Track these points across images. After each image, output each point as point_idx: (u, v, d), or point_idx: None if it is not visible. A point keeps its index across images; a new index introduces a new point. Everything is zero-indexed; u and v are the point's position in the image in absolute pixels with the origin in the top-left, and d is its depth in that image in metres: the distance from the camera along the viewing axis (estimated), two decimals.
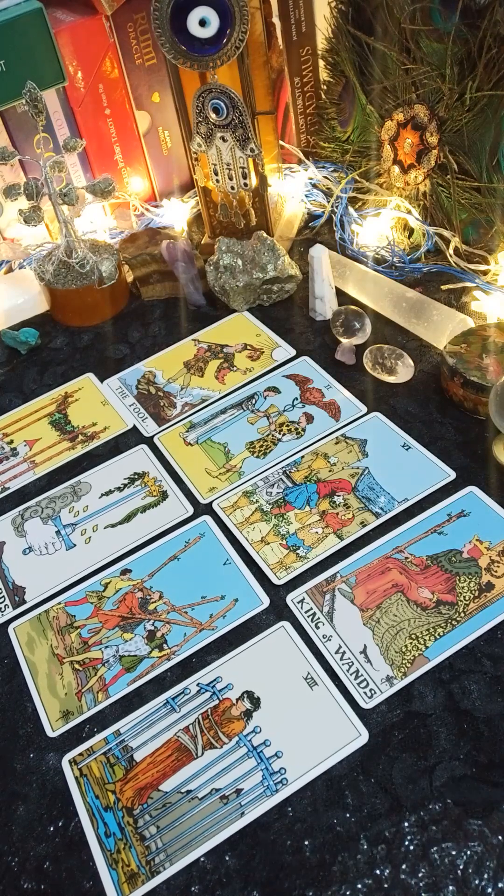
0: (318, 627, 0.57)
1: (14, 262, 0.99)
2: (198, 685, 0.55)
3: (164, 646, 0.58)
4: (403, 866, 0.45)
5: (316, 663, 0.55)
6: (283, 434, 0.72)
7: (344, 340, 0.78)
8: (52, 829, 0.50)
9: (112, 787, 0.51)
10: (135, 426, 0.76)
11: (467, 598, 0.56)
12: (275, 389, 0.77)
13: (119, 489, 0.70)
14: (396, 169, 0.88)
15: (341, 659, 0.55)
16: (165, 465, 0.72)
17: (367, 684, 0.53)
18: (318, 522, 0.64)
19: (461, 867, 0.45)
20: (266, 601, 0.59)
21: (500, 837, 0.45)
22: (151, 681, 0.56)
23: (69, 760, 0.53)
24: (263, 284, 0.85)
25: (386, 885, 0.44)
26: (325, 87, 1.00)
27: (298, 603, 0.58)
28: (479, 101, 0.76)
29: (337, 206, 0.94)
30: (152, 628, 0.59)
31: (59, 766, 0.52)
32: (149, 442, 0.74)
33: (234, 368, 0.80)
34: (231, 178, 0.84)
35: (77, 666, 0.58)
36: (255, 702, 0.53)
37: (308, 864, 0.46)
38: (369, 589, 0.58)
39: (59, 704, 0.56)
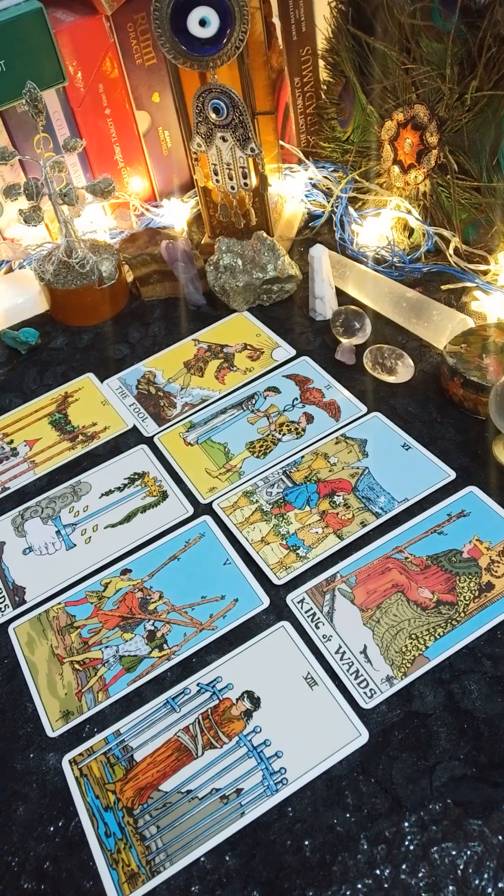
0: (318, 627, 0.57)
1: (14, 262, 0.99)
2: (198, 685, 0.55)
3: (164, 646, 0.58)
4: (403, 866, 0.45)
5: (316, 663, 0.55)
6: (283, 434, 0.72)
7: (344, 340, 0.78)
8: (52, 829, 0.50)
9: (112, 787, 0.51)
10: (135, 426, 0.76)
11: (467, 598, 0.56)
12: (275, 389, 0.77)
13: (119, 489, 0.70)
14: (396, 169, 0.88)
15: (341, 659, 0.55)
16: (165, 465, 0.72)
17: (367, 684, 0.53)
18: (318, 522, 0.64)
19: (461, 867, 0.45)
20: (266, 601, 0.59)
21: (500, 837, 0.45)
22: (151, 681, 0.56)
23: (69, 760, 0.53)
24: (263, 284, 0.85)
25: (386, 885, 0.44)
26: (325, 87, 1.00)
27: (298, 603, 0.58)
28: (479, 101, 0.76)
29: (337, 206, 0.94)
30: (152, 628, 0.59)
31: (60, 766, 0.52)
32: (149, 442, 0.74)
33: (234, 368, 0.80)
34: (231, 178, 0.84)
35: (77, 666, 0.58)
36: (255, 702, 0.53)
37: (308, 864, 0.46)
38: (369, 589, 0.58)
39: (59, 704, 0.56)
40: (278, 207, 0.95)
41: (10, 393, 0.83)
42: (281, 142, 1.00)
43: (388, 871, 0.45)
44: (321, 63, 0.98)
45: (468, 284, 0.82)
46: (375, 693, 0.52)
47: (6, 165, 0.92)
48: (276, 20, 0.93)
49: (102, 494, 0.70)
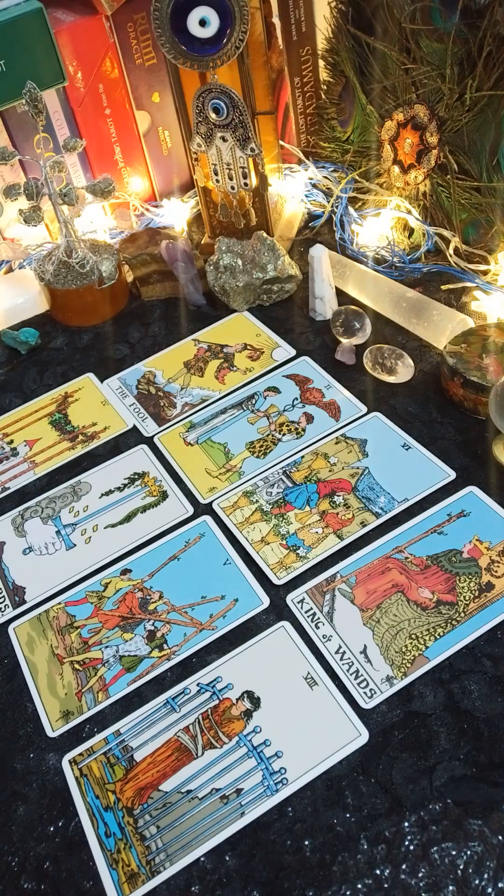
0: (318, 627, 0.57)
1: (14, 262, 0.99)
2: (198, 685, 0.55)
3: (164, 646, 0.58)
4: (403, 866, 0.45)
5: (316, 663, 0.55)
6: (283, 434, 0.72)
7: (344, 340, 0.78)
8: (52, 829, 0.50)
9: (112, 787, 0.51)
10: (135, 426, 0.76)
11: (467, 598, 0.56)
12: (275, 389, 0.77)
13: (119, 489, 0.70)
14: (396, 169, 0.88)
15: (341, 659, 0.55)
16: (165, 465, 0.72)
17: (367, 684, 0.53)
18: (318, 522, 0.64)
19: (461, 867, 0.45)
20: (266, 601, 0.59)
21: (500, 837, 0.45)
22: (151, 681, 0.56)
23: (69, 760, 0.53)
24: (263, 284, 0.85)
25: (386, 885, 0.44)
26: (325, 87, 1.00)
27: (298, 603, 0.58)
28: (479, 101, 0.76)
29: (337, 206, 0.94)
30: (152, 628, 0.59)
31: (59, 766, 0.52)
32: (149, 442, 0.74)
33: (234, 368, 0.80)
34: (231, 178, 0.84)
35: (77, 666, 0.58)
36: (255, 702, 0.53)
37: (308, 864, 0.46)
38: (369, 589, 0.58)
39: (60, 704, 0.56)
40: (278, 207, 0.95)
41: (10, 393, 0.83)
42: (281, 142, 1.00)
43: (388, 871, 0.45)
44: (321, 63, 0.98)
45: (468, 284, 0.82)
46: (375, 693, 0.52)
47: (6, 165, 0.92)
48: (276, 20, 0.93)
49: (102, 494, 0.70)
